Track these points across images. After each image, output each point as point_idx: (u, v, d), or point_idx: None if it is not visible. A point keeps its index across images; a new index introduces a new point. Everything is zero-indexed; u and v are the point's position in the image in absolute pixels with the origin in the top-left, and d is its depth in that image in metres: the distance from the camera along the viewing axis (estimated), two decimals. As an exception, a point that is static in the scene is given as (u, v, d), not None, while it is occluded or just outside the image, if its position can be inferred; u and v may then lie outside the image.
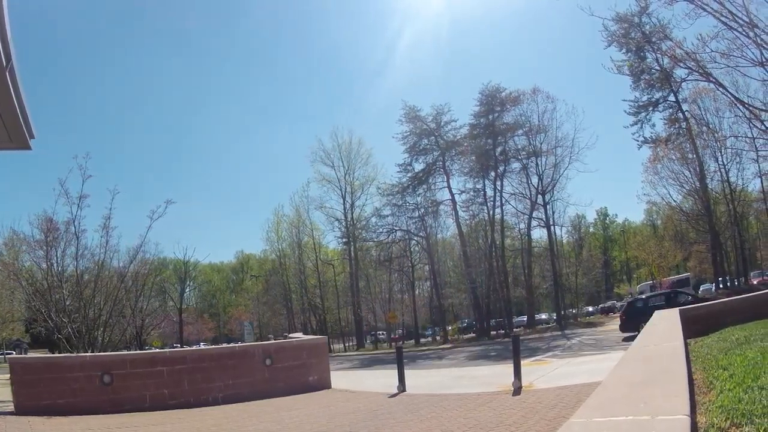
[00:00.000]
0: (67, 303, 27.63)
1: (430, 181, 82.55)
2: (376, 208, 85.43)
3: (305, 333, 62.99)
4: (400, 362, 18.72)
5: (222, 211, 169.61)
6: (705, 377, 9.38)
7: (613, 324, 59.80)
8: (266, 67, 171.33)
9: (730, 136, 57.26)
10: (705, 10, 25.14)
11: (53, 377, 15.08)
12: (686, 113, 70.39)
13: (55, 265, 31.97)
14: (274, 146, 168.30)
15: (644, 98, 73.88)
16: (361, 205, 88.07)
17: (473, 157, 78.43)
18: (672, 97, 71.78)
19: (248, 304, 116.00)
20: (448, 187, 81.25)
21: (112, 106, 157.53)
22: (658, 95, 73.07)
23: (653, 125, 75.21)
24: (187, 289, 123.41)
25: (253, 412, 15.40)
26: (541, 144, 74.91)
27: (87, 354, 21.01)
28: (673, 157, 69.17)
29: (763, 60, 25.05)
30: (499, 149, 77.84)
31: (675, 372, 6.69)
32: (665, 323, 16.38)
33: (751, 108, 29.80)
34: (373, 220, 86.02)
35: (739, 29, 24.52)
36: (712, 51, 27.17)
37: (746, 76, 29.69)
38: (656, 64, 60.22)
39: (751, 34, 24.17)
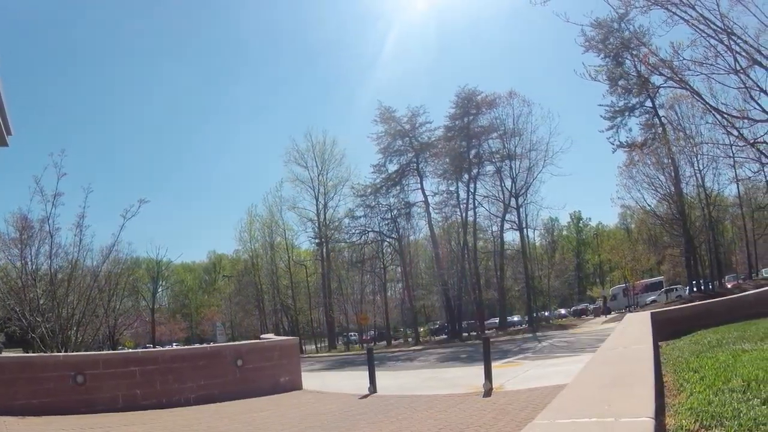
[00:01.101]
0: (41, 302, 27.59)
1: (404, 182, 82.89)
2: (349, 209, 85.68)
3: (277, 334, 63.07)
4: (371, 363, 18.84)
5: (195, 210, 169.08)
6: (675, 380, 9.55)
7: (586, 326, 60.35)
8: (245, 66, 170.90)
9: (706, 143, 57.49)
10: (680, 17, 25.33)
11: (27, 377, 14.94)
12: (663, 119, 71.03)
13: (29, 263, 31.94)
14: (250, 146, 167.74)
15: (621, 103, 74.45)
16: (334, 206, 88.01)
17: (447, 159, 78.66)
18: (649, 103, 72.43)
19: (220, 305, 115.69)
20: (422, 188, 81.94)
21: (88, 104, 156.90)
22: (634, 101, 73.69)
23: (629, 130, 75.75)
24: (160, 289, 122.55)
25: (225, 413, 15.42)
26: (515, 147, 75.63)
27: (60, 354, 21.00)
28: (648, 162, 69.79)
29: (738, 68, 25.24)
30: (473, 152, 78.37)
31: (642, 374, 6.78)
32: (636, 325, 16.59)
33: (726, 116, 29.98)
34: (346, 221, 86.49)
35: (715, 36, 24.70)
36: (685, 60, 27.31)
37: (722, 84, 29.81)
38: (634, 69, 60.49)
39: (726, 40, 24.35)
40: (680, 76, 28.63)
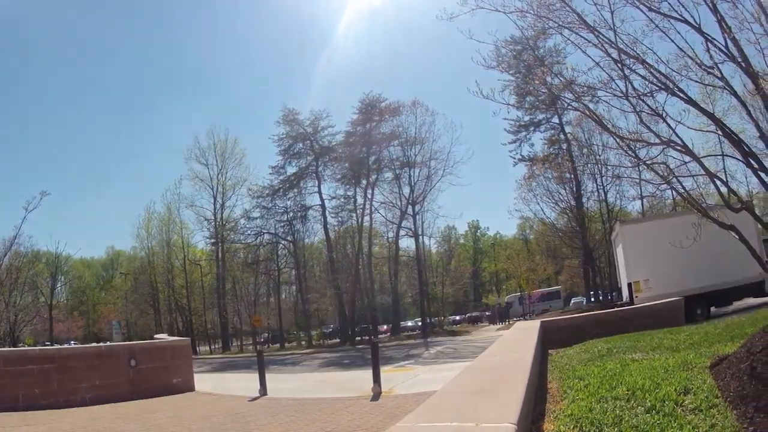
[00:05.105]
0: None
1: (302, 185, 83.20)
2: (246, 209, 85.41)
3: (171, 334, 62.64)
4: (261, 366, 19.41)
5: (95, 203, 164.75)
6: (560, 387, 9.92)
7: (478, 333, 61.32)
8: (155, 58, 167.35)
9: (611, 165, 58.66)
10: (574, 43, 26.19)
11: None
12: (569, 135, 71.94)
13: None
14: (153, 141, 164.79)
15: (527, 118, 75.71)
16: (231, 205, 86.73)
17: (346, 164, 79.20)
18: (555, 119, 73.60)
19: (117, 303, 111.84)
20: (319, 192, 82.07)
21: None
22: (541, 116, 75.03)
23: (532, 144, 77.29)
24: (59, 285, 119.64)
25: (120, 414, 15.45)
26: (416, 155, 76.24)
27: (-36, 351, 20.86)
28: (549, 176, 70.96)
29: (629, 93, 26.28)
30: (372, 158, 79.03)
31: (514, 381, 7.14)
32: (522, 333, 17.44)
33: (624, 138, 31.11)
34: (242, 221, 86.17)
35: (617, 60, 25.60)
36: (580, 85, 28.26)
37: (617, 108, 30.65)
38: (544, 88, 60.96)
39: (624, 65, 25.24)
40: (582, 100, 29.55)
